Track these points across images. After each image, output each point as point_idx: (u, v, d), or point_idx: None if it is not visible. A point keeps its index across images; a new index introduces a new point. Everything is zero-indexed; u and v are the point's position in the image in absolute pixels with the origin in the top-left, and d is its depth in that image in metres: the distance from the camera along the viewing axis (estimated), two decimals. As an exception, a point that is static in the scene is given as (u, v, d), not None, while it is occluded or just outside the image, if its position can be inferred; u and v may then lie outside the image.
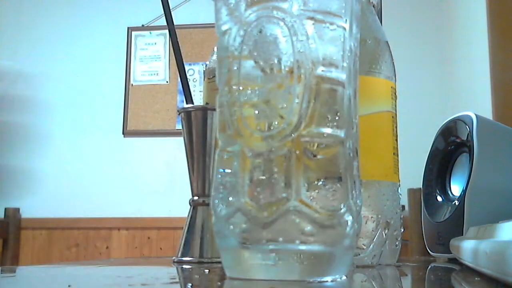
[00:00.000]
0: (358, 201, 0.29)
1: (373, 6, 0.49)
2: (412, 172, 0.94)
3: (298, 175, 0.27)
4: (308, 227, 0.27)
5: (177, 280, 0.35)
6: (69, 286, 0.27)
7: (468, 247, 0.33)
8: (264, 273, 0.27)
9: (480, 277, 0.31)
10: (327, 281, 0.28)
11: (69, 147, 2.59)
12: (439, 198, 0.58)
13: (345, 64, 0.29)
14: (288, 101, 0.28)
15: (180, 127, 0.58)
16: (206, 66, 0.62)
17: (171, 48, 0.60)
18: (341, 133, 0.29)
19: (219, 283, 0.31)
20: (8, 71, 2.70)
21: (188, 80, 0.58)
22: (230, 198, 0.29)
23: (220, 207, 0.29)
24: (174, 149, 2.56)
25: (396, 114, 0.47)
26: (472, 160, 0.51)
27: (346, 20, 0.30)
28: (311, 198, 0.27)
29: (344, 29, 0.30)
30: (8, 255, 2.23)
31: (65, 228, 2.48)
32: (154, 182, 2.72)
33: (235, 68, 0.29)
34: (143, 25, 2.92)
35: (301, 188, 0.27)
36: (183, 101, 0.57)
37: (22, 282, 0.32)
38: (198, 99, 0.60)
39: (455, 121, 0.57)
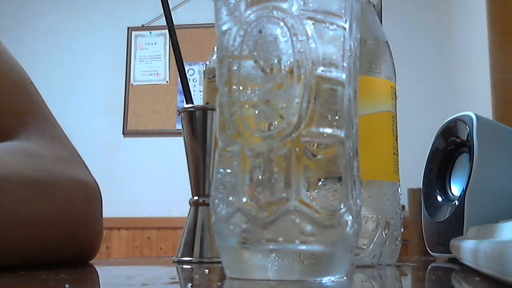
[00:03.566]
0: (358, 201, 0.29)
1: (373, 6, 0.49)
2: (412, 172, 0.94)
3: (298, 175, 0.27)
4: (308, 227, 0.27)
5: (177, 280, 0.35)
6: (67, 286, 0.27)
7: (468, 247, 0.33)
8: (264, 273, 0.27)
9: (480, 277, 0.31)
10: (327, 281, 0.28)
11: (69, 147, 2.59)
12: (439, 198, 0.58)
13: (345, 64, 0.29)
14: (288, 101, 0.28)
15: (180, 127, 0.58)
16: (206, 66, 0.62)
17: (171, 48, 0.60)
18: (341, 133, 0.29)
19: (219, 283, 0.31)
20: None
21: (188, 80, 0.58)
22: (230, 198, 0.29)
23: (220, 207, 0.29)
24: (174, 149, 2.56)
25: (396, 114, 0.47)
26: (472, 160, 0.51)
27: (346, 20, 0.30)
28: (311, 198, 0.27)
29: (344, 29, 0.30)
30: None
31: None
32: (154, 182, 2.72)
33: (235, 68, 0.29)
34: (143, 25, 2.92)
35: (301, 188, 0.27)
36: (183, 101, 0.57)
37: (20, 282, 0.32)
38: (198, 99, 0.60)
39: (455, 121, 0.57)
